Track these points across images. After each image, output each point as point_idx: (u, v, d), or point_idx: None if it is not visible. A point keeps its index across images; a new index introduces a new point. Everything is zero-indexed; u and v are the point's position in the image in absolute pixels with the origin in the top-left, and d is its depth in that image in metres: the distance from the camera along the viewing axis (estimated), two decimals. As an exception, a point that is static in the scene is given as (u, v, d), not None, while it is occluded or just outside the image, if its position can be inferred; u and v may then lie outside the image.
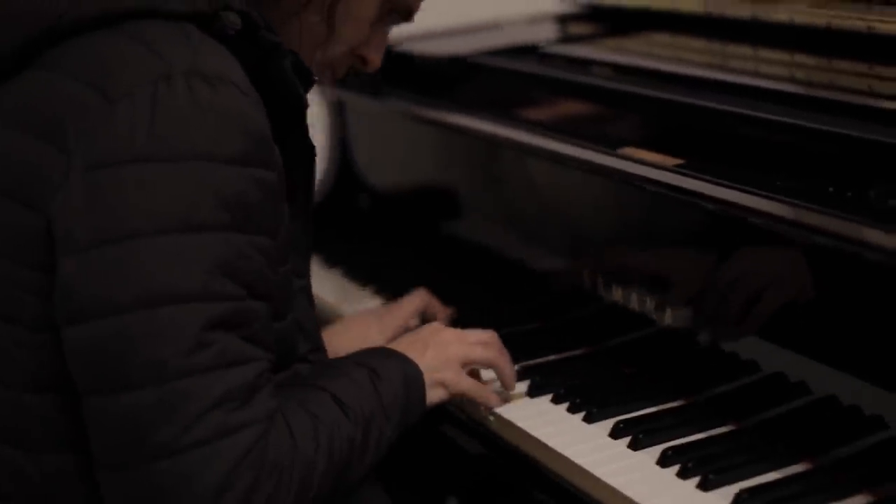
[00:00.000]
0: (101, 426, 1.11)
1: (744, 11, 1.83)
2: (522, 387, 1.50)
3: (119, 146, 1.10)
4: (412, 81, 2.04)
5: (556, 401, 1.46)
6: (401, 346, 1.39)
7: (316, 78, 1.34)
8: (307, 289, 1.40)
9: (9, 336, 1.16)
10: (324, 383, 1.27)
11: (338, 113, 2.17)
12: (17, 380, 1.16)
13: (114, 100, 1.11)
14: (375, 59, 1.39)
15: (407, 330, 1.59)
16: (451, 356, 1.40)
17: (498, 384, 1.48)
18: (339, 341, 1.55)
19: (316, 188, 2.15)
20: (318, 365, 1.38)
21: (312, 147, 1.36)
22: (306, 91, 1.30)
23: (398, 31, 2.17)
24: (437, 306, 1.67)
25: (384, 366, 1.32)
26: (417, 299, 1.66)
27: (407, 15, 1.41)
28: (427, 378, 1.36)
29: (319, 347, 1.41)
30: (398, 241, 2.07)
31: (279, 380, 1.24)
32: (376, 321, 1.63)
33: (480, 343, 1.45)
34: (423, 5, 1.42)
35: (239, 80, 1.15)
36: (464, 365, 1.42)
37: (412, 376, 1.34)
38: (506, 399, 1.47)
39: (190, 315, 1.08)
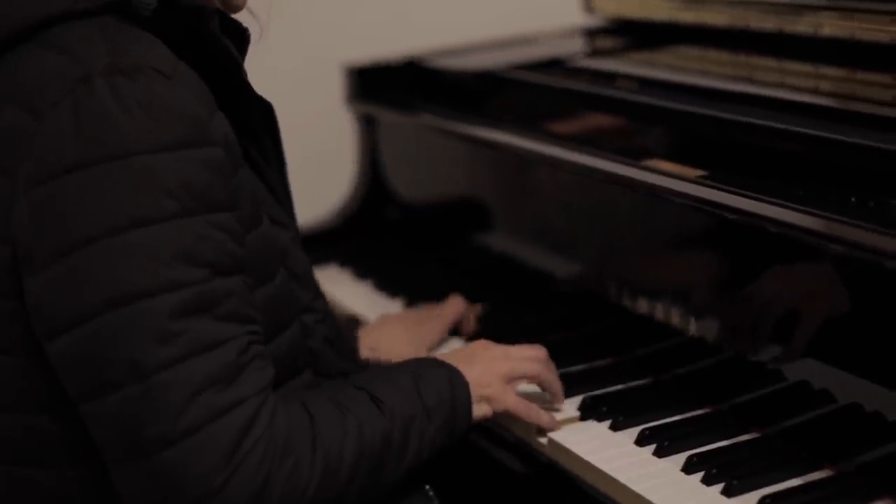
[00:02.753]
0: (98, 429, 1.13)
1: (769, 24, 1.84)
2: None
3: (52, 160, 1.10)
4: (442, 96, 2.06)
5: (582, 409, 1.47)
6: (450, 359, 1.39)
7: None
8: (297, 239, 1.39)
9: (5, 365, 1.17)
10: (362, 384, 1.28)
11: (368, 127, 2.20)
12: (23, 404, 1.17)
13: (40, 115, 1.10)
14: None
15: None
16: (498, 372, 1.40)
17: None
18: (376, 336, 1.58)
19: (347, 201, 2.21)
20: (364, 372, 1.40)
21: (265, 101, 1.33)
22: (243, 46, 1.28)
23: (428, 46, 2.21)
24: (470, 317, 1.70)
25: (429, 371, 1.33)
26: (456, 305, 1.69)
27: None
28: (473, 392, 1.36)
29: (319, 295, 1.41)
30: (428, 254, 2.08)
31: (287, 338, 1.26)
32: (414, 323, 1.66)
33: (527, 359, 1.45)
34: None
35: (160, 62, 1.13)
36: (510, 381, 1.42)
37: (458, 383, 1.34)
38: (555, 423, 1.45)
39: (156, 308, 1.09)
